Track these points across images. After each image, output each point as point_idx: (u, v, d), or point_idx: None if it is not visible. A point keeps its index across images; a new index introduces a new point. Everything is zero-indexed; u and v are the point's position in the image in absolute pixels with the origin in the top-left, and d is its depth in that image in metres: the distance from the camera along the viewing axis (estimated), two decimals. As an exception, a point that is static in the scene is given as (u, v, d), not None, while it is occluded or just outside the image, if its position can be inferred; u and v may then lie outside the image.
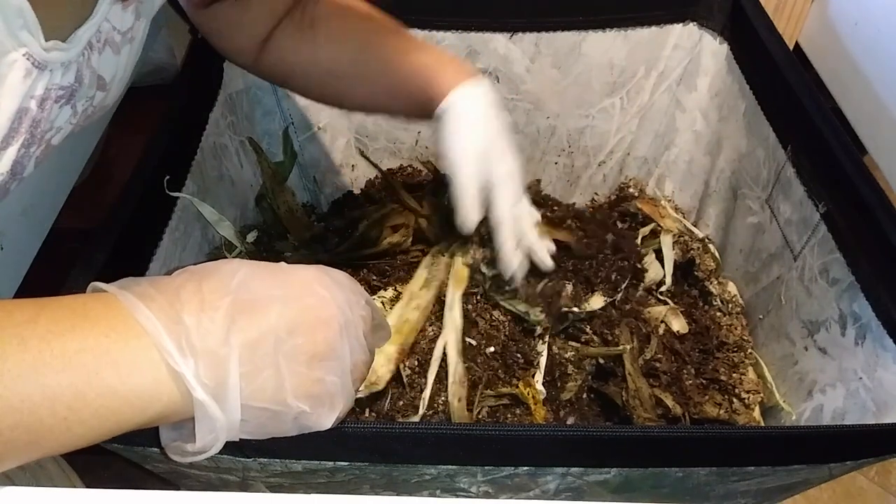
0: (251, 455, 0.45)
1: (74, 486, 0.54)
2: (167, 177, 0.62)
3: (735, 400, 0.66)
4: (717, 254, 0.82)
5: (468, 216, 0.57)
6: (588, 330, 0.66)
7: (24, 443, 0.33)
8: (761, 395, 0.67)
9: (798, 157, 0.66)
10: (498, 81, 0.86)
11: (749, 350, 0.71)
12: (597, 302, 0.65)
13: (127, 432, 0.37)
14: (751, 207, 0.75)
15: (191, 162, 0.67)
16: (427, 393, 0.57)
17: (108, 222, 0.55)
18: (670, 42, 0.83)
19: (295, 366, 0.39)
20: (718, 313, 0.75)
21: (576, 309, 0.64)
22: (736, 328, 0.73)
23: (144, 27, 0.52)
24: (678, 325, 0.72)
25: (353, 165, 0.93)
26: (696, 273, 0.77)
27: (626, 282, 0.68)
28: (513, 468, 0.46)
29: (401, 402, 0.59)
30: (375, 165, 0.85)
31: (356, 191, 0.93)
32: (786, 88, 0.67)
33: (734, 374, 0.68)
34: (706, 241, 0.83)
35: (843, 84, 0.76)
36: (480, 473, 0.47)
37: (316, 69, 0.64)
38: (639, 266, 0.71)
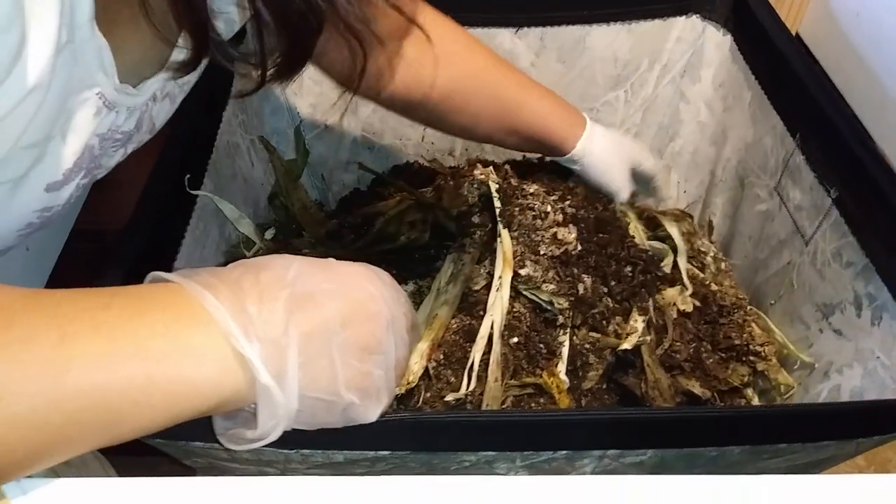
0: (294, 447, 0.45)
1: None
2: (188, 175, 0.62)
3: (753, 357, 0.67)
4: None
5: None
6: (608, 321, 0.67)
7: (96, 427, 0.34)
8: (773, 344, 0.69)
9: (807, 143, 0.67)
10: (503, 76, 0.86)
11: (748, 307, 0.73)
12: (637, 324, 0.65)
13: (186, 421, 0.37)
14: (759, 195, 0.77)
15: (207, 160, 0.67)
16: (476, 366, 0.58)
17: (134, 221, 0.55)
18: (673, 35, 0.84)
19: (347, 358, 0.40)
20: (706, 275, 0.76)
21: (626, 346, 0.64)
22: (728, 289, 0.75)
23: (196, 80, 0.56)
24: (685, 303, 0.72)
25: (359, 163, 0.93)
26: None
27: (653, 293, 0.69)
28: (551, 453, 0.47)
29: (428, 394, 0.59)
30: (375, 172, 0.86)
31: (363, 188, 0.93)
32: (792, 76, 0.69)
33: (744, 335, 0.69)
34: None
35: (845, 74, 0.78)
36: (519, 459, 0.48)
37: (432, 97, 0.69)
38: (659, 274, 0.71)
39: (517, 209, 0.68)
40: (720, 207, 0.85)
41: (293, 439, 0.45)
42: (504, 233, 0.65)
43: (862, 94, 0.76)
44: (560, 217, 0.68)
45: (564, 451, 0.47)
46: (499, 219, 0.68)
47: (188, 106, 0.66)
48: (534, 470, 0.49)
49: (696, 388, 0.64)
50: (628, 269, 0.69)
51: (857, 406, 0.49)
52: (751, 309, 0.72)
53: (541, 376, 0.61)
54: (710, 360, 0.68)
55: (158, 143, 0.62)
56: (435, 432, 0.45)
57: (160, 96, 0.50)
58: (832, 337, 0.63)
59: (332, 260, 0.44)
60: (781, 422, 0.47)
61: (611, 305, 0.67)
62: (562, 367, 0.62)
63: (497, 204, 0.69)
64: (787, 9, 0.87)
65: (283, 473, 0.49)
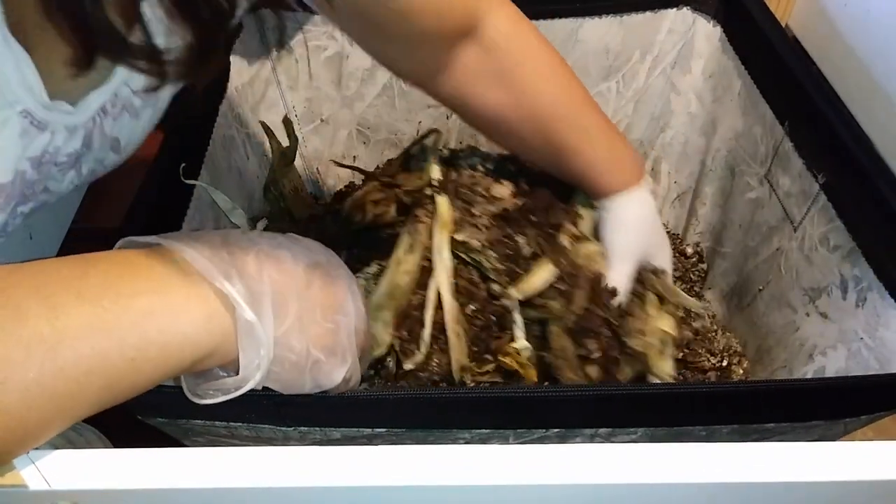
0: (292, 424, 0.46)
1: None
2: (183, 165, 0.63)
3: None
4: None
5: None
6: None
7: (99, 387, 0.35)
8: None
9: (796, 130, 0.68)
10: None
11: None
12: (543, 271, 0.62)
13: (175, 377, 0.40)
14: (749, 183, 0.78)
15: (204, 153, 0.68)
16: (427, 332, 0.59)
17: (132, 213, 0.56)
18: (664, 26, 0.85)
19: (312, 315, 0.41)
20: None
21: (518, 295, 0.61)
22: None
23: (171, 91, 0.50)
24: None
25: (354, 157, 0.94)
26: None
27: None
28: (544, 430, 0.48)
29: (398, 370, 0.60)
30: (350, 167, 0.86)
31: (358, 182, 0.94)
32: (780, 64, 0.70)
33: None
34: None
35: (835, 64, 0.79)
36: (512, 436, 0.49)
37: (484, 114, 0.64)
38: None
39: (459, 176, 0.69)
40: (710, 197, 0.86)
41: (290, 416, 0.46)
42: (439, 198, 0.65)
43: (850, 82, 0.77)
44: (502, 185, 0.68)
45: (556, 430, 0.48)
46: (433, 183, 0.67)
47: (185, 98, 0.67)
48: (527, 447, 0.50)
49: (595, 373, 0.61)
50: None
51: (842, 382, 0.50)
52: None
53: (498, 359, 0.61)
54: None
55: (157, 141, 0.63)
56: (425, 408, 0.46)
57: (112, 110, 0.44)
58: (818, 320, 0.64)
59: (290, 234, 0.46)
60: (767, 396, 0.48)
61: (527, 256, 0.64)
62: (521, 336, 0.60)
63: (436, 175, 0.69)
64: (777, 0, 0.88)
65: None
